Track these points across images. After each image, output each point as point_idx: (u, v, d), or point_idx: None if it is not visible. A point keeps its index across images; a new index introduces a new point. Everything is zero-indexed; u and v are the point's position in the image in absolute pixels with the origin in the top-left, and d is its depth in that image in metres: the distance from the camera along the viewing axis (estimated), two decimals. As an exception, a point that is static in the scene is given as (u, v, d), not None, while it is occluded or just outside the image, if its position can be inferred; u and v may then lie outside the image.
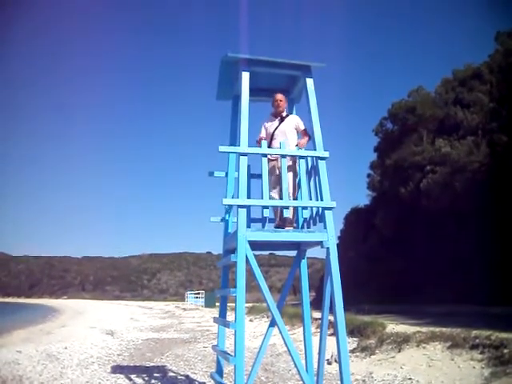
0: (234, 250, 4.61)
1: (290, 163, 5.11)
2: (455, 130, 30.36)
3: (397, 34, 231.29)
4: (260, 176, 4.80)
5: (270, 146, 5.24)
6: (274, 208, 5.11)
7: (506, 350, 6.78)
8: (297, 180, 5.19)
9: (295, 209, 5.25)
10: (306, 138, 5.29)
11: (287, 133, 5.33)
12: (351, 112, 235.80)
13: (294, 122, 5.44)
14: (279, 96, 5.46)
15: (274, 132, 5.36)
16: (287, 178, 4.87)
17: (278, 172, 5.12)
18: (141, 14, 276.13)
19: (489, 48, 31.71)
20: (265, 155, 4.86)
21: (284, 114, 5.49)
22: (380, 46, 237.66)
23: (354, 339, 10.37)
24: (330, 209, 4.71)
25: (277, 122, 5.43)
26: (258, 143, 5.25)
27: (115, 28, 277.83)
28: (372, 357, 8.98)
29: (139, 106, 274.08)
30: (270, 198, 4.86)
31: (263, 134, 5.43)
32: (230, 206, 5.50)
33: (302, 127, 5.42)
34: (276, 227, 5.05)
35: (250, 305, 22.68)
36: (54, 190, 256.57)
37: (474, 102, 30.56)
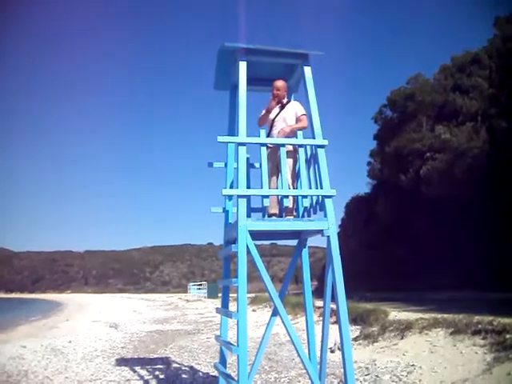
0: (234, 241, 4.61)
1: (291, 149, 5.09)
2: (454, 117, 30.27)
3: (395, 21, 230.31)
4: (259, 165, 4.79)
5: (269, 133, 5.24)
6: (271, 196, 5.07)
7: (508, 336, 6.77)
8: (297, 166, 5.17)
9: (295, 198, 5.23)
10: (294, 125, 5.17)
11: (287, 120, 5.27)
12: (350, 100, 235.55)
13: (293, 108, 5.35)
14: (279, 83, 5.35)
15: (274, 119, 5.33)
16: (286, 167, 4.85)
17: (275, 159, 5.09)
18: (142, 7, 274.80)
19: (487, 34, 31.50)
20: (264, 144, 4.84)
21: (285, 100, 5.44)
22: (379, 33, 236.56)
23: (357, 327, 10.42)
24: (330, 197, 4.70)
25: (277, 108, 5.38)
26: (261, 120, 5.27)
27: (116, 21, 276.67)
28: (375, 344, 9.02)
29: (141, 99, 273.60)
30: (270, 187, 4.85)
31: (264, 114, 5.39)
32: (230, 197, 5.48)
33: (300, 113, 5.26)
34: (269, 216, 5.00)
35: (253, 295, 22.78)
36: (55, 185, 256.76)
37: (473, 87, 30.43)
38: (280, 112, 5.33)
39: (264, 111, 5.40)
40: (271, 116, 5.34)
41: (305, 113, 5.21)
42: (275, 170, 5.09)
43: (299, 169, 5.06)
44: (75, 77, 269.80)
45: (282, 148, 4.86)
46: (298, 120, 5.25)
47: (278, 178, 5.10)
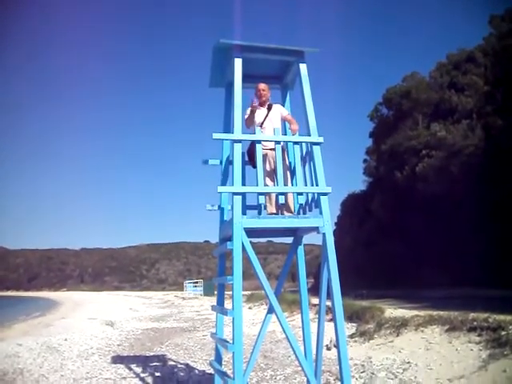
0: (230, 238, 4.59)
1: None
2: (450, 114, 30.35)
3: (392, 19, 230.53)
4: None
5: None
6: (267, 195, 5.08)
7: (503, 332, 6.80)
8: (287, 170, 5.20)
9: (293, 196, 5.23)
10: (296, 123, 5.27)
11: (273, 121, 5.34)
12: (346, 97, 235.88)
13: (279, 110, 5.48)
14: (262, 85, 5.48)
15: (263, 121, 5.32)
16: (282, 164, 4.84)
17: (271, 161, 5.12)
18: (139, 8, 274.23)
19: (483, 31, 31.60)
20: (259, 142, 4.83)
21: (268, 102, 5.50)
22: (375, 31, 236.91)
23: (353, 324, 10.43)
24: (325, 194, 4.69)
25: (264, 110, 5.39)
26: (248, 121, 5.19)
27: (113, 20, 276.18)
28: (371, 341, 9.03)
29: (137, 96, 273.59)
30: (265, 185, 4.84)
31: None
32: (226, 194, 5.47)
33: (285, 113, 5.49)
34: (269, 214, 5.03)
35: (249, 292, 22.79)
36: (50, 182, 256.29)
37: (469, 85, 30.51)
38: (268, 114, 5.35)
39: (248, 112, 5.29)
40: (259, 119, 5.32)
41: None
42: (271, 172, 5.11)
43: (293, 167, 5.07)
44: (74, 77, 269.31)
45: (277, 145, 4.87)
46: (289, 121, 5.37)
47: (273, 180, 5.10)
